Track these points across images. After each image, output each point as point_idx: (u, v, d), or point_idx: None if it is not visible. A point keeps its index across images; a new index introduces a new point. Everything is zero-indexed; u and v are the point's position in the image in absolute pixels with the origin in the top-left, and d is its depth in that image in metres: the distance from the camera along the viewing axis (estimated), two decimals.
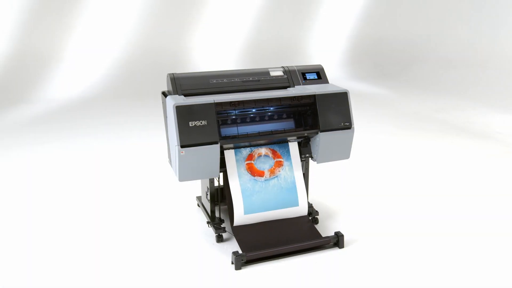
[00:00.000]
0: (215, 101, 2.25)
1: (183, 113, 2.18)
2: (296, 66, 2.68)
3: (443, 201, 2.93)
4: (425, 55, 7.80)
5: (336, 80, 7.69)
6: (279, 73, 2.62)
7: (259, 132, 2.35)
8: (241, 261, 2.17)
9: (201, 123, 2.22)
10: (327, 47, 8.40)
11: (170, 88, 2.43)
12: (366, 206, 2.87)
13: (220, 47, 7.99)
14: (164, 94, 2.45)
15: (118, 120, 5.18)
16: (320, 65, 2.73)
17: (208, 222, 2.55)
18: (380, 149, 4.05)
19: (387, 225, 2.61)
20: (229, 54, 7.98)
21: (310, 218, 2.58)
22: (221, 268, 2.19)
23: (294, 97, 2.38)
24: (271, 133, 2.36)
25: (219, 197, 2.59)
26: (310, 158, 2.58)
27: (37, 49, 7.05)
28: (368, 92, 6.77)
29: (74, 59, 7.14)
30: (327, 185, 3.22)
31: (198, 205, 2.87)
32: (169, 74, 2.46)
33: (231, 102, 2.29)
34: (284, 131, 2.39)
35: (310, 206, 2.66)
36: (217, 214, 2.59)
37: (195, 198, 2.95)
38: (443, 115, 5.22)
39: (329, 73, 8.18)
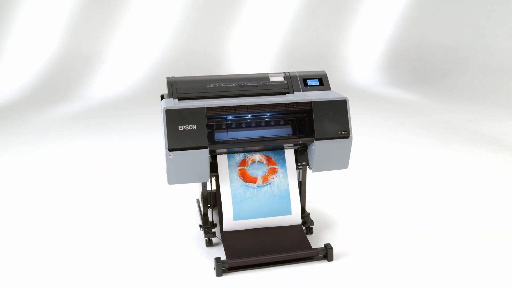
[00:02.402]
0: (206, 106, 2.25)
1: (172, 116, 2.20)
2: (298, 71, 2.63)
3: (454, 220, 2.77)
4: (467, 62, 7.43)
5: (371, 85, 7.51)
6: (279, 78, 2.58)
7: (249, 139, 2.32)
8: (222, 268, 2.16)
9: (190, 127, 2.22)
10: (365, 51, 8.21)
11: (167, 92, 2.45)
12: (369, 219, 2.76)
13: (256, 50, 8.01)
14: (162, 98, 2.48)
15: (149, 119, 5.29)
16: (323, 71, 2.66)
17: (200, 226, 2.55)
18: (398, 159, 3.89)
19: (386, 241, 2.50)
20: (266, 57, 7.98)
21: (304, 227, 2.52)
22: (202, 273, 2.18)
23: (289, 103, 2.34)
24: (262, 139, 2.33)
25: (212, 201, 2.59)
26: (307, 167, 2.52)
27: (83, 50, 7.39)
28: (402, 98, 6.55)
29: (116, 60, 7.42)
30: (333, 194, 3.13)
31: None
32: (167, 77, 2.48)
33: (222, 107, 2.28)
34: (276, 138, 2.34)
35: (307, 215, 2.60)
36: (211, 218, 2.59)
37: (195, 200, 2.97)
38: (476, 125, 4.95)
39: (364, 78, 8.05)
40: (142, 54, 7.55)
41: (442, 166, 3.69)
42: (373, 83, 7.63)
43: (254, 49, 8.01)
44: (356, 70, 7.97)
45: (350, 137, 2.38)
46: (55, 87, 6.87)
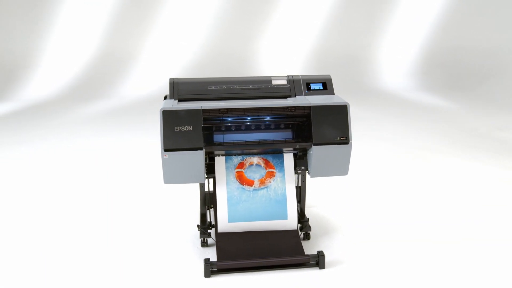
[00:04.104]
0: (203, 108, 2.27)
1: (169, 117, 2.23)
2: (302, 75, 2.60)
3: (460, 239, 2.67)
4: (505, 67, 7.09)
5: (403, 90, 7.32)
6: (282, 82, 2.57)
7: (245, 141, 2.32)
8: (210, 269, 2.17)
9: (186, 128, 2.25)
10: (398, 55, 8.01)
11: (169, 93, 2.50)
12: (371, 226, 2.70)
13: (288, 52, 7.98)
14: (165, 98, 2.53)
15: None
16: (328, 75, 2.63)
17: (198, 225, 2.58)
18: (413, 166, 3.77)
19: (385, 251, 2.43)
20: (297, 60, 7.94)
21: (301, 233, 2.50)
22: (191, 273, 2.20)
23: (287, 107, 2.32)
24: (258, 143, 2.32)
25: (209, 202, 2.61)
26: (306, 172, 2.50)
27: (118, 51, 7.63)
28: (432, 105, 6.35)
29: (149, 60, 7.61)
30: (338, 200, 3.07)
31: None
32: (171, 78, 2.53)
33: (219, 109, 2.29)
34: (272, 142, 2.33)
35: (305, 220, 2.57)
36: (209, 219, 2.61)
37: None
38: (507, 134, 4.72)
39: (397, 83, 7.86)
40: (175, 55, 7.70)
41: (455, 175, 3.55)
42: (405, 88, 7.43)
43: (285, 51, 7.99)
44: (389, 75, 7.79)
45: (349, 143, 2.34)
46: (92, 86, 7.13)
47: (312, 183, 3.04)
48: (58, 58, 7.39)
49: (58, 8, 7.48)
